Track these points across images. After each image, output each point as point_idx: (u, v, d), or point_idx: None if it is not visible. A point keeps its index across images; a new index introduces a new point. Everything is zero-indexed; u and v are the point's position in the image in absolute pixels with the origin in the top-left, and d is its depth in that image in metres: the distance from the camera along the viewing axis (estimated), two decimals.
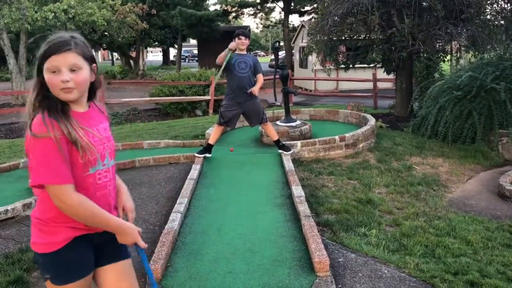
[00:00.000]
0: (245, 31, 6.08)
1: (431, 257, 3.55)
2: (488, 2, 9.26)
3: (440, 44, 9.64)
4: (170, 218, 3.94)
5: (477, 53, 9.53)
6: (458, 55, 10.24)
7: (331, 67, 11.53)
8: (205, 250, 3.48)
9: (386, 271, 3.20)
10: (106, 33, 23.34)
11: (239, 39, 5.83)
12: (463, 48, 9.88)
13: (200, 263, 3.27)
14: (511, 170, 6.00)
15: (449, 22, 8.60)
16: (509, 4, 9.36)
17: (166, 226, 3.75)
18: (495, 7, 9.63)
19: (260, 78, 5.98)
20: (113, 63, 50.12)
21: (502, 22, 9.57)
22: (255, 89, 5.86)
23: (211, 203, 4.52)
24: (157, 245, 3.40)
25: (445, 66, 11.24)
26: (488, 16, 9.73)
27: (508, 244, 3.90)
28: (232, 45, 5.81)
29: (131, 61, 33.39)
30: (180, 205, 4.25)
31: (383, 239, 3.84)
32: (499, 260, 3.53)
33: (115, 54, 48.74)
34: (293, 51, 26.68)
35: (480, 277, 3.16)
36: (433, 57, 10.09)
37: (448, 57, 10.58)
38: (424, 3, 8.74)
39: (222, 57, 5.79)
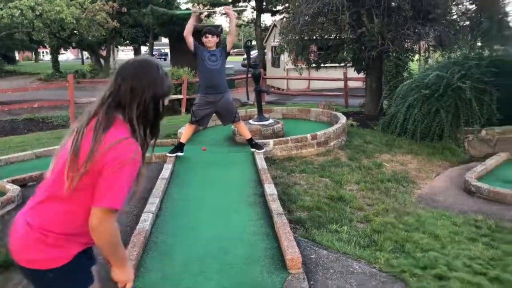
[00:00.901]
0: (211, 28, 6.06)
1: (401, 252, 3.62)
2: (454, 3, 9.50)
3: (409, 43, 9.84)
4: (141, 218, 3.89)
5: (444, 52, 9.77)
6: (426, 55, 10.48)
7: (303, 66, 11.62)
8: (177, 250, 3.46)
9: (357, 267, 3.25)
10: (75, 31, 22.86)
11: (206, 37, 5.82)
12: (431, 48, 10.12)
13: (172, 263, 3.25)
14: (477, 167, 6.17)
15: (417, 22, 8.79)
16: (473, 5, 9.62)
17: (138, 227, 3.71)
18: (460, 8, 9.90)
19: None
20: (83, 62, 49.16)
21: (467, 22, 9.85)
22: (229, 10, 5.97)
23: (184, 203, 4.49)
24: (128, 246, 3.36)
25: (414, 65, 11.47)
26: (454, 17, 10.00)
27: (474, 238, 4.02)
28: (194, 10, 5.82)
29: (102, 60, 32.81)
30: (152, 205, 4.20)
31: (354, 235, 3.90)
32: (465, 253, 3.63)
33: (85, 53, 47.83)
34: (265, 50, 26.77)
35: (448, 270, 3.24)
36: (402, 57, 10.28)
37: (417, 56, 10.81)
38: (393, 3, 8.91)
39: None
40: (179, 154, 6.00)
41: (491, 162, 6.45)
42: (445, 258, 3.48)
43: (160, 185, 4.80)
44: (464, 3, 9.81)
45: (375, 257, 3.41)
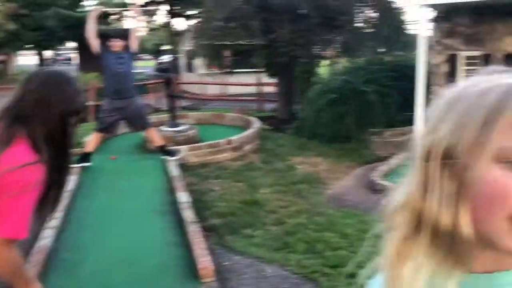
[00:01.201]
0: (118, 31, 5.85)
1: (312, 252, 3.70)
2: (358, 10, 10.04)
3: (317, 49, 10.23)
4: (43, 235, 3.60)
5: (350, 58, 10.29)
6: (334, 60, 10.96)
7: (217, 71, 11.62)
8: (83, 265, 3.25)
9: (270, 271, 3.27)
10: None
11: (112, 41, 5.59)
12: (338, 54, 10.60)
13: (77, 279, 3.05)
14: (382, 166, 6.53)
15: (324, 29, 9.16)
16: (375, 13, 10.24)
17: (38, 244, 3.43)
18: (363, 16, 10.49)
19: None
20: None
21: (370, 29, 10.45)
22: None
23: (91, 215, 4.24)
24: (28, 266, 3.08)
25: (323, 71, 11.95)
26: (359, 24, 10.57)
27: (381, 235, 4.21)
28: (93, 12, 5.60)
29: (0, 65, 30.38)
30: (54, 220, 3.91)
31: (268, 238, 3.92)
32: (373, 250, 3.79)
33: None
34: (179, 55, 26.44)
35: (357, 268, 3.35)
36: (311, 62, 10.66)
37: (326, 61, 11.28)
38: (301, 10, 9.21)
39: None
40: (86, 164, 5.66)
41: (394, 161, 6.86)
42: (353, 256, 3.61)
43: (63, 198, 4.48)
44: (367, 11, 10.41)
45: (287, 259, 3.44)
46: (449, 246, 0.56)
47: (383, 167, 6.43)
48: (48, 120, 1.47)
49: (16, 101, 1.49)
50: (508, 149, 0.52)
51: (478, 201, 0.53)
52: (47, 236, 3.56)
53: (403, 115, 7.95)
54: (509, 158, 0.52)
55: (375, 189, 5.75)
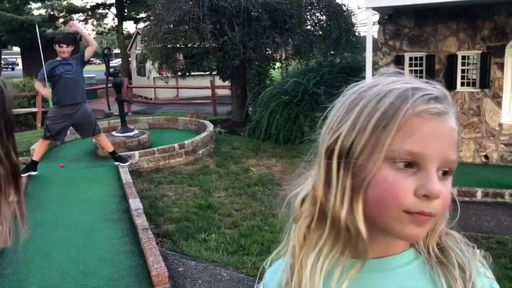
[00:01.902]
0: (66, 36, 5.63)
1: (267, 253, 3.70)
2: (307, 14, 10.21)
3: (269, 52, 10.32)
4: None
5: (301, 60, 10.44)
6: (286, 62, 11.08)
7: (168, 74, 11.47)
8: (30, 280, 3.12)
9: (225, 274, 3.26)
10: None
11: (60, 46, 5.38)
12: (289, 56, 10.73)
13: None
14: None
15: (275, 32, 9.25)
16: (324, 16, 10.45)
17: None
18: (313, 18, 10.68)
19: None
20: None
21: (320, 32, 10.66)
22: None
23: (38, 227, 4.07)
24: None
25: (276, 73, 12.06)
26: (309, 27, 10.76)
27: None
28: (47, 94, 5.38)
29: None
30: None
31: (222, 242, 3.91)
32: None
33: None
34: (129, 59, 25.91)
35: None
36: (263, 65, 10.73)
37: (278, 64, 11.38)
38: (252, 13, 9.26)
39: (43, 93, 5.45)
40: (32, 173, 5.44)
41: None
42: None
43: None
44: (316, 14, 10.61)
45: (242, 262, 3.45)
46: (347, 236, 0.61)
47: None
48: None
49: None
50: (398, 151, 0.57)
51: (374, 197, 0.58)
52: None
53: None
54: (400, 159, 0.57)
55: None
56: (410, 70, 6.93)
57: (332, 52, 10.69)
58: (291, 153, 7.59)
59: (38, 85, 5.51)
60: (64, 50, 5.39)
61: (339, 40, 10.12)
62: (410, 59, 6.97)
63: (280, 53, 10.82)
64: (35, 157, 5.49)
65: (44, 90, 5.37)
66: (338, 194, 0.60)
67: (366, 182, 0.58)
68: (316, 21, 10.79)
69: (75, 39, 5.70)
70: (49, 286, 3.02)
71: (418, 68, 6.95)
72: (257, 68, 10.29)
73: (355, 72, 8.93)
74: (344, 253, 0.63)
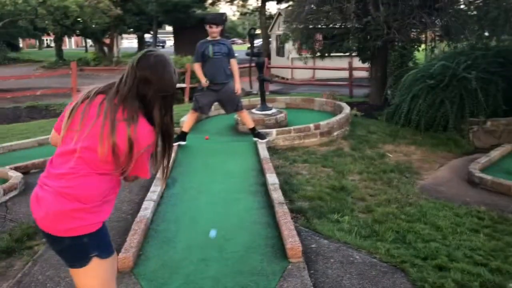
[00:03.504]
0: (216, 17, 5.97)
1: (402, 242, 3.61)
2: None
3: (415, 33, 9.75)
4: (143, 206, 3.90)
5: (450, 42, 9.67)
6: (433, 45, 10.37)
7: (308, 55, 11.53)
8: (178, 238, 3.46)
9: (357, 257, 3.25)
10: (79, 19, 22.77)
11: (210, 27, 5.75)
12: (437, 38, 10.01)
13: (173, 251, 3.25)
14: (481, 158, 6.13)
15: (423, 12, 8.69)
16: None
17: (139, 214, 3.72)
18: None
19: (234, 63, 5.92)
20: (86, 50, 49.08)
21: (475, 12, 9.72)
22: (238, 87, 5.89)
23: (185, 192, 4.49)
24: (129, 234, 3.36)
25: (419, 55, 11.36)
26: (462, 6, 9.88)
27: (475, 229, 4.00)
28: (202, 79, 5.79)
29: (105, 48, 32.72)
30: (153, 193, 4.20)
31: (356, 225, 3.89)
32: (466, 244, 3.62)
33: (89, 41, 47.73)
34: (270, 39, 26.60)
35: (449, 261, 3.23)
36: (407, 46, 10.19)
37: (423, 46, 10.70)
38: None
39: (200, 77, 5.86)
40: (182, 143, 5.99)
41: (495, 153, 6.40)
42: (446, 249, 3.47)
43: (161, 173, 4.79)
44: None
45: (375, 247, 3.39)
46: None
47: (483, 159, 6.04)
48: (156, 97, 1.79)
49: (132, 80, 1.77)
50: None
51: None
52: (147, 207, 3.84)
53: (509, 104, 7.37)
54: None
55: (473, 182, 5.43)
56: None
57: (487, 34, 9.69)
58: (433, 142, 7.17)
59: (197, 68, 5.88)
60: (214, 30, 5.75)
61: (496, 20, 9.11)
62: None
63: (426, 34, 10.16)
64: (185, 128, 6.02)
65: (201, 74, 5.77)
66: None
67: None
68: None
69: (224, 20, 6.02)
70: (194, 246, 3.32)
71: None
72: (400, 49, 9.82)
73: None
74: None
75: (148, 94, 1.77)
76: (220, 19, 6.00)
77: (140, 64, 1.77)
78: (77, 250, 1.78)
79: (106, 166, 1.75)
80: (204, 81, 5.77)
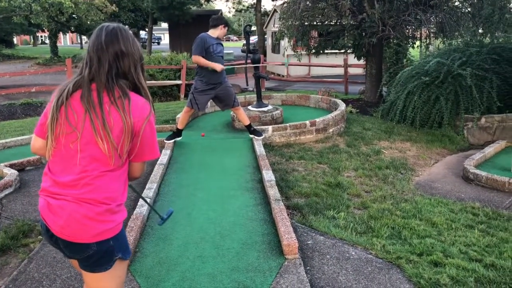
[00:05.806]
0: (219, 19, 5.98)
1: (397, 238, 3.63)
2: None
3: (410, 30, 9.76)
4: (139, 203, 3.89)
5: (445, 39, 9.70)
6: (428, 41, 10.40)
7: (303, 52, 11.53)
8: (175, 235, 3.46)
9: (353, 253, 3.26)
10: (74, 16, 22.64)
11: (224, 27, 5.83)
12: (432, 35, 10.03)
13: (169, 248, 3.25)
14: (476, 154, 6.17)
15: (418, 9, 8.71)
16: None
17: (135, 212, 3.71)
18: None
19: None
20: (81, 47, 48.86)
21: (469, 9, 9.76)
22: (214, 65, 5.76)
23: (181, 188, 4.49)
24: (125, 231, 3.36)
25: (415, 52, 11.39)
26: (456, 3, 9.90)
27: (470, 225, 4.03)
28: (215, 66, 5.65)
29: None
30: (149, 190, 4.20)
31: (351, 221, 3.91)
32: (461, 240, 3.64)
33: (84, 37, 47.51)
34: (265, 36, 26.57)
35: (444, 257, 3.25)
36: (402, 43, 10.20)
37: (418, 43, 10.73)
38: None
39: (212, 66, 5.68)
40: (177, 139, 5.99)
41: (489, 149, 6.45)
42: (441, 245, 3.49)
43: (157, 170, 4.79)
44: None
45: (371, 243, 3.41)
46: None
47: (477, 155, 6.07)
48: (137, 65, 1.76)
49: (102, 60, 1.71)
50: None
51: None
52: (143, 204, 3.84)
53: (503, 101, 7.41)
54: None
55: (468, 178, 5.47)
56: None
57: (481, 31, 9.73)
58: (428, 138, 7.21)
59: (201, 59, 5.65)
60: (225, 32, 5.87)
61: (490, 17, 9.15)
62: None
63: (421, 31, 10.18)
64: (179, 125, 6.01)
65: (210, 63, 5.64)
66: None
67: None
68: None
69: (219, 17, 6.04)
70: (190, 242, 3.32)
71: None
72: (395, 46, 9.84)
73: (508, 54, 8.06)
74: None
75: (126, 66, 1.71)
76: (219, 19, 6.04)
77: (107, 40, 1.71)
78: (104, 254, 1.73)
79: (115, 155, 1.68)
80: (219, 68, 5.68)
